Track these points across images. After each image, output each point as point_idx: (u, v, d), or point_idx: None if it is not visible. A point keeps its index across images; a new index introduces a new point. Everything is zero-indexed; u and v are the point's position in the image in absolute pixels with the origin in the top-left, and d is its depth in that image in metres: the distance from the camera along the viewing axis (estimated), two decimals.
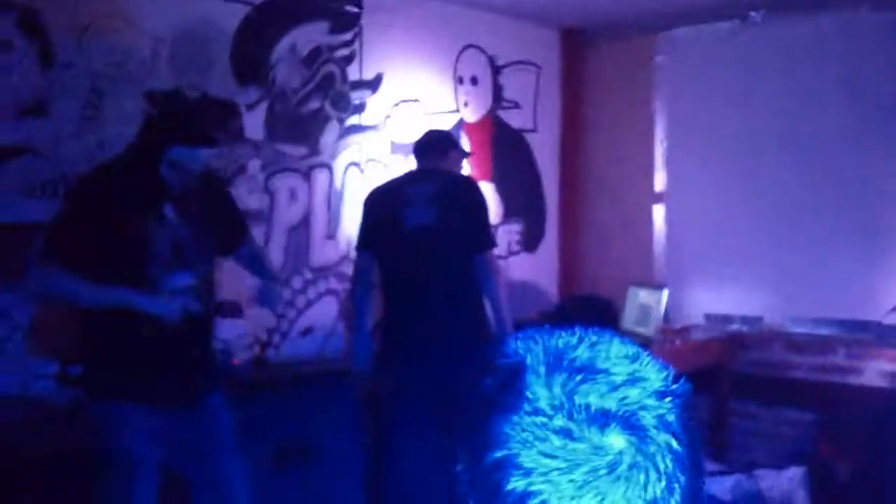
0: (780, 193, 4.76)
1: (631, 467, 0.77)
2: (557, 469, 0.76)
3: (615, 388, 0.79)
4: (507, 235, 5.14)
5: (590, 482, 0.76)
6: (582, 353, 0.82)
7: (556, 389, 0.78)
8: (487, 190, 3.93)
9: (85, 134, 3.28)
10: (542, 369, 0.80)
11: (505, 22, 5.08)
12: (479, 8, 4.86)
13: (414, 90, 4.60)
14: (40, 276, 2.70)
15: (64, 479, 2.92)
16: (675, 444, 0.79)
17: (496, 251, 3.79)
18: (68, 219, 2.70)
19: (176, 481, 2.85)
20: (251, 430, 3.39)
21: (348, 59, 4.26)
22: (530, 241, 5.33)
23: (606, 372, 0.80)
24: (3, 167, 3.13)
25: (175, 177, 2.72)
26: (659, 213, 5.32)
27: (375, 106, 4.39)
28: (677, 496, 0.79)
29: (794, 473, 3.31)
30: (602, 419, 0.77)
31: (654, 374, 0.81)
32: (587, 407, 0.77)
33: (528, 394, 0.79)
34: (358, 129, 4.32)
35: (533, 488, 0.77)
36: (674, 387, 0.81)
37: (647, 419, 0.78)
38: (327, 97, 4.17)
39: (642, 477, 0.77)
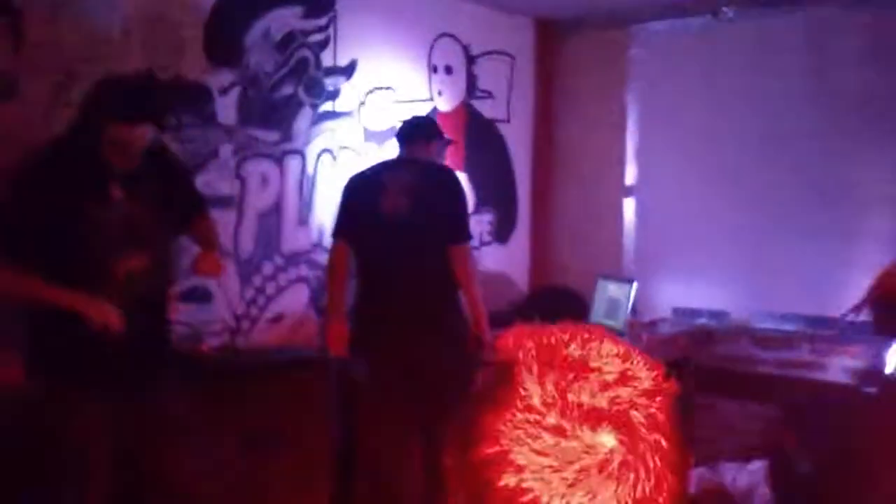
0: (749, 189, 4.81)
1: (621, 466, 0.77)
2: (549, 466, 0.77)
3: (607, 386, 0.79)
4: (478, 226, 5.14)
5: (581, 480, 0.76)
6: (574, 351, 0.82)
7: (549, 387, 0.79)
8: (460, 179, 3.91)
9: (55, 115, 3.22)
10: (535, 366, 0.81)
11: (480, 11, 5.07)
12: None
13: (388, 78, 4.58)
14: None
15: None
16: (664, 442, 0.80)
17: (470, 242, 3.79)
18: (10, 210, 2.65)
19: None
20: (220, 418, 3.38)
21: (322, 45, 4.23)
22: (502, 232, 5.34)
23: (598, 370, 0.80)
24: None
25: (117, 155, 2.68)
26: (629, 206, 5.35)
27: (349, 93, 4.37)
28: (665, 494, 0.80)
29: (758, 467, 3.35)
30: (594, 417, 0.77)
31: (645, 373, 0.82)
32: (580, 405, 0.78)
33: (521, 390, 0.79)
34: (331, 115, 4.30)
35: (524, 485, 0.77)
36: (664, 386, 0.82)
37: (638, 418, 0.79)
38: (301, 82, 4.14)
39: (632, 475, 0.78)
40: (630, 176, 5.34)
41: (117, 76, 3.10)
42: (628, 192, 5.34)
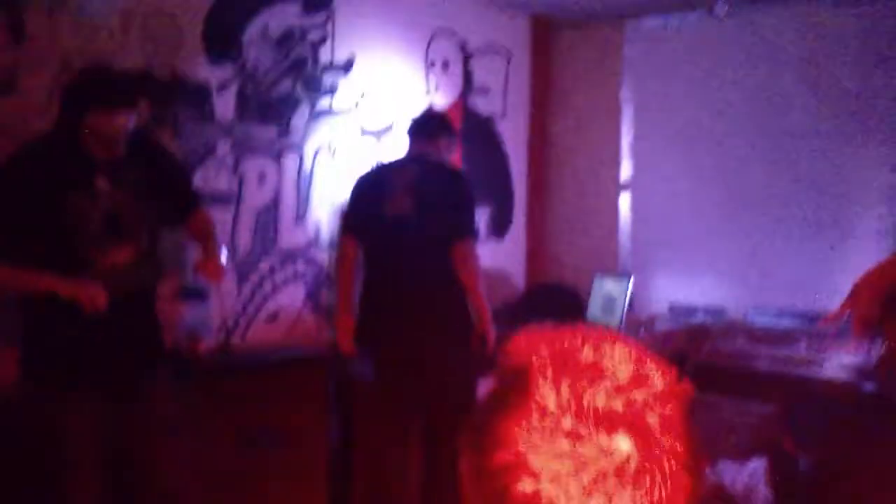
0: (744, 184, 4.81)
1: (638, 470, 0.77)
2: (566, 472, 0.76)
3: (621, 390, 0.79)
4: None
5: (598, 485, 0.76)
6: (587, 354, 0.82)
7: (565, 391, 0.78)
8: (466, 177, 3.91)
9: (53, 111, 3.20)
10: (549, 371, 0.80)
11: (476, 7, 5.06)
12: None
13: (385, 74, 4.57)
14: None
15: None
16: (678, 446, 0.80)
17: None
18: None
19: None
20: (217, 417, 3.38)
21: (320, 42, 4.21)
22: (498, 228, 5.33)
23: (612, 374, 0.80)
24: None
25: (98, 144, 2.66)
26: (625, 201, 5.35)
27: (347, 89, 4.36)
28: (682, 498, 0.80)
29: (757, 466, 3.36)
30: (610, 421, 0.77)
31: (658, 377, 0.82)
32: (595, 409, 0.78)
33: (536, 395, 0.79)
34: (329, 112, 4.28)
35: (541, 491, 0.77)
36: (677, 388, 0.82)
37: (653, 421, 0.79)
38: (299, 79, 4.12)
39: (649, 479, 0.78)
40: (626, 172, 5.35)
41: (94, 66, 3.08)
42: (624, 187, 5.34)
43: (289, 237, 4.16)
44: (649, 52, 5.22)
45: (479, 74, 5.15)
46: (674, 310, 5.02)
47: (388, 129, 4.60)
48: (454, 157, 3.94)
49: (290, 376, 3.83)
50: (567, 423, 0.78)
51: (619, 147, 5.34)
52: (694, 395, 0.86)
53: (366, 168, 4.08)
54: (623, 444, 0.78)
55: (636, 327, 4.68)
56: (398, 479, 3.69)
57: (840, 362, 4.24)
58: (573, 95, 5.51)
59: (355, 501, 3.98)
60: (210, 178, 3.80)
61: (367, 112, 4.48)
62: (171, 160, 3.17)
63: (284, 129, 4.09)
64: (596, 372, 0.81)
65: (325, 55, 4.24)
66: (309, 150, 4.21)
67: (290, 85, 4.08)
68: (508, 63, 5.35)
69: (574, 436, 0.77)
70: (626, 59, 5.30)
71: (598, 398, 0.79)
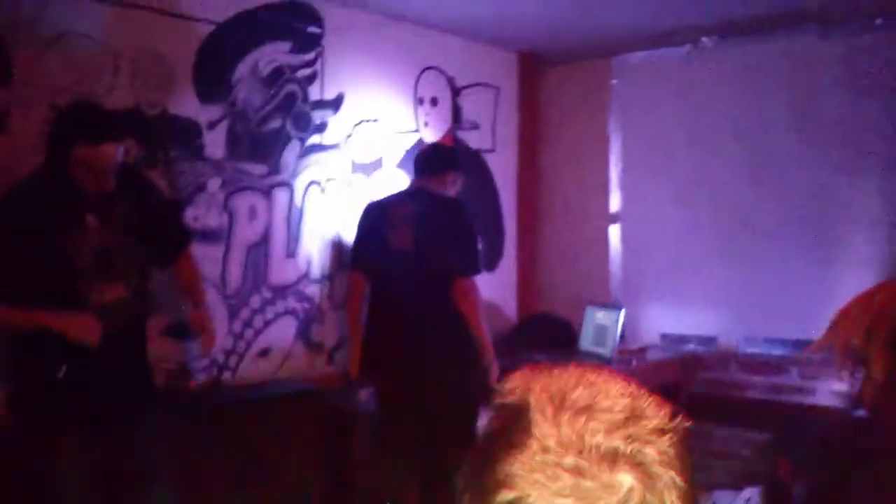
0: (733, 214, 4.85)
1: None
2: None
3: (619, 425, 0.80)
4: None
5: None
6: (582, 392, 0.83)
7: (565, 429, 0.79)
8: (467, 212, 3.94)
9: (43, 150, 3.22)
10: (549, 409, 0.81)
11: (464, 44, 5.12)
12: (439, 30, 4.89)
13: (375, 110, 4.61)
14: None
15: None
16: (678, 480, 0.80)
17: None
18: None
19: None
20: (208, 453, 3.36)
21: (310, 79, 4.25)
22: (490, 261, 5.35)
23: (608, 410, 0.81)
24: None
25: (87, 178, 2.66)
26: (615, 233, 5.38)
27: (336, 125, 4.39)
28: None
29: (751, 494, 3.35)
30: (611, 456, 0.78)
31: (654, 411, 0.83)
32: (597, 445, 0.78)
33: (537, 432, 0.80)
34: (319, 148, 4.31)
35: None
36: (674, 423, 0.83)
37: (652, 456, 0.79)
38: (289, 116, 4.16)
39: None
40: (615, 203, 5.38)
41: (81, 102, 3.11)
42: (614, 219, 5.38)
43: (279, 273, 4.17)
44: (636, 86, 5.28)
45: (469, 109, 5.20)
46: (666, 339, 5.04)
47: (378, 164, 4.63)
48: (457, 191, 3.96)
49: (282, 412, 3.81)
50: (569, 460, 0.78)
51: (609, 179, 5.38)
52: (688, 426, 0.86)
53: (370, 200, 4.13)
54: (625, 479, 0.78)
55: (628, 357, 4.68)
56: None
57: (831, 389, 4.25)
58: (562, 129, 5.56)
59: None
60: (201, 214, 3.81)
61: (357, 148, 4.51)
62: (161, 197, 3.18)
63: (275, 166, 4.11)
64: (593, 409, 0.81)
65: (314, 92, 4.28)
66: (299, 186, 4.23)
67: (280, 122, 4.11)
68: (497, 98, 5.40)
69: (576, 472, 0.77)
70: (614, 93, 5.35)
71: (598, 435, 0.79)
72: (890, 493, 1.56)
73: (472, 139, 5.22)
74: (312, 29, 4.24)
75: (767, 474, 4.44)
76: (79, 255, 2.66)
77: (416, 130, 4.90)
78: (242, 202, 4.01)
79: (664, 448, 0.81)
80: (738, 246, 4.81)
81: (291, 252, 4.22)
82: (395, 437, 3.71)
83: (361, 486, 3.89)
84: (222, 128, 3.88)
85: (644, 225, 5.25)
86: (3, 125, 3.14)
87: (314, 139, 4.28)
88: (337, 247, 4.41)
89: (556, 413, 0.80)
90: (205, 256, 3.80)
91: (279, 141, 4.12)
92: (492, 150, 5.32)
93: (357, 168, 4.51)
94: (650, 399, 0.84)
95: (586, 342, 4.79)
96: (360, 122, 4.52)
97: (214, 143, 3.86)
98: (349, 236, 4.45)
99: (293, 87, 4.17)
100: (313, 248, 4.30)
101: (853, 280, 4.04)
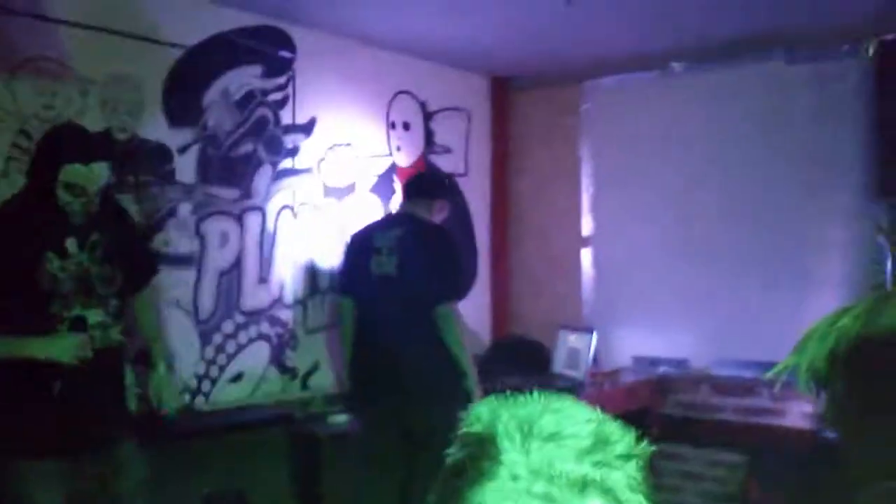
0: (704, 237, 4.88)
1: None
2: None
3: (586, 452, 0.80)
4: None
5: None
6: (549, 419, 0.83)
7: (534, 456, 0.79)
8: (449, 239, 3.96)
9: (12, 175, 3.20)
10: (518, 436, 0.81)
11: (436, 69, 5.15)
12: (411, 55, 4.92)
13: (347, 134, 4.61)
14: None
15: None
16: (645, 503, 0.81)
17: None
18: None
19: None
20: (181, 480, 3.32)
21: (281, 103, 4.25)
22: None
23: (575, 436, 0.81)
24: None
25: (74, 201, 2.66)
26: (587, 256, 5.41)
27: (308, 149, 4.39)
28: None
29: None
30: (580, 483, 0.78)
31: (619, 437, 0.83)
32: (566, 472, 0.78)
33: (506, 460, 0.80)
34: (291, 172, 4.31)
35: None
36: (637, 448, 0.84)
37: (620, 481, 0.80)
38: (260, 140, 4.15)
39: None
40: (587, 227, 5.41)
41: (67, 124, 3.10)
42: (585, 242, 5.40)
43: (252, 297, 4.15)
44: (607, 110, 5.32)
45: (440, 134, 5.22)
46: (638, 362, 5.05)
47: (351, 188, 4.64)
48: (442, 216, 3.98)
49: (256, 437, 3.79)
50: (539, 487, 0.78)
51: (580, 202, 5.41)
52: (657, 449, 0.87)
53: (357, 226, 4.15)
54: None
55: (601, 380, 4.69)
56: None
57: (802, 411, 4.28)
58: (534, 153, 5.59)
59: None
60: (172, 239, 3.79)
61: (330, 172, 4.51)
62: (132, 224, 3.17)
63: (246, 190, 4.10)
64: (561, 436, 0.81)
65: (286, 116, 4.28)
66: (271, 211, 4.22)
67: (251, 146, 4.11)
68: (469, 122, 5.43)
69: (547, 499, 0.78)
70: (585, 117, 5.40)
71: (567, 461, 0.79)
72: None
73: (445, 163, 5.24)
74: (284, 53, 4.25)
75: (739, 495, 4.47)
76: (58, 280, 2.64)
77: (389, 154, 4.91)
78: (214, 227, 3.99)
79: (632, 473, 0.81)
80: (710, 268, 4.84)
81: (264, 277, 4.21)
82: (376, 462, 3.71)
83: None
84: (193, 152, 3.87)
85: (616, 248, 5.28)
86: None
87: (286, 163, 4.28)
88: (310, 271, 4.40)
89: (525, 440, 0.80)
90: (176, 281, 3.78)
91: (251, 165, 4.12)
92: (464, 174, 5.34)
93: (329, 192, 4.51)
94: (616, 424, 0.85)
95: (559, 365, 4.80)
96: (332, 147, 4.53)
97: (185, 168, 3.84)
98: (322, 260, 4.45)
99: (265, 111, 4.17)
100: (286, 273, 4.28)
101: (823, 302, 4.08)
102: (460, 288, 3.83)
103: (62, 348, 2.62)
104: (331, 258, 4.49)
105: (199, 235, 3.92)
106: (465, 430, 0.86)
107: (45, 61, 3.33)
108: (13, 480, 2.64)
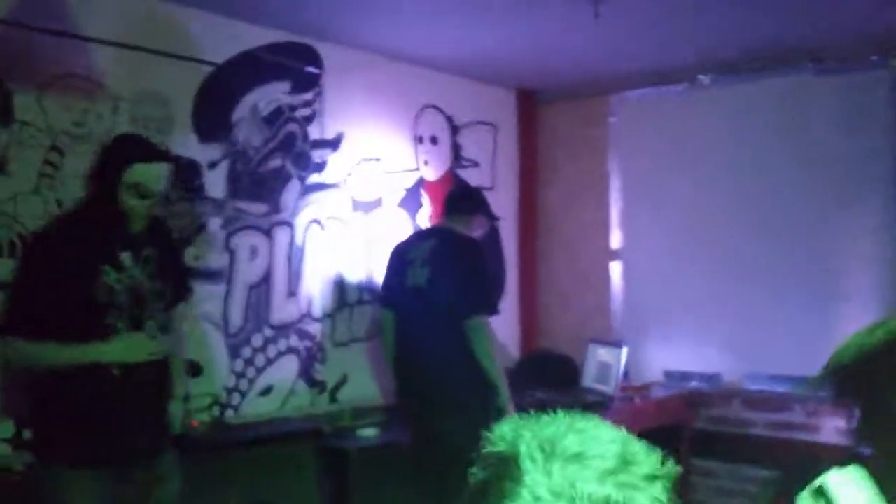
0: (734, 250, 4.84)
1: None
2: None
3: (610, 472, 0.79)
4: None
5: None
6: (572, 439, 0.82)
7: (556, 477, 0.78)
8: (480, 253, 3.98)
9: (44, 191, 3.24)
10: (540, 456, 0.80)
11: (463, 83, 5.16)
12: (438, 69, 4.94)
13: (374, 149, 4.63)
14: (10, 353, 2.64)
15: None
16: None
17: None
18: (24, 285, 2.65)
19: None
20: (210, 493, 3.33)
21: (309, 119, 4.28)
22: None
23: (599, 457, 0.80)
24: None
25: (137, 203, 2.69)
26: (616, 270, 5.38)
27: (336, 164, 4.41)
28: None
29: None
30: None
31: (644, 458, 0.82)
32: (589, 493, 0.77)
33: (528, 480, 0.79)
34: (319, 186, 4.33)
35: None
36: (663, 469, 0.82)
37: (644, 502, 0.79)
38: (289, 156, 4.18)
39: None
40: (616, 240, 5.38)
41: (125, 133, 3.23)
42: (615, 256, 5.38)
43: (281, 311, 4.17)
44: (635, 123, 5.30)
45: (468, 147, 5.23)
46: (669, 376, 5.01)
47: (378, 202, 4.65)
48: (479, 232, 4.04)
49: (285, 450, 3.80)
50: None
51: (609, 216, 5.39)
52: (688, 465, 0.86)
53: (390, 240, 4.27)
54: None
55: (631, 395, 4.66)
56: None
57: (835, 426, 4.22)
58: (561, 166, 5.58)
59: None
60: (202, 255, 3.82)
61: (357, 186, 4.53)
62: (176, 241, 3.21)
63: (275, 205, 4.13)
64: (585, 456, 0.80)
65: (314, 132, 4.30)
66: (300, 225, 4.24)
67: (280, 161, 4.14)
68: (496, 136, 5.44)
69: None
70: (612, 130, 5.38)
71: (590, 482, 0.78)
72: None
73: (472, 177, 5.24)
74: (312, 69, 4.28)
75: None
76: (114, 292, 2.67)
77: (416, 169, 4.92)
78: (243, 241, 4.02)
79: (656, 494, 0.80)
80: (740, 282, 4.80)
81: (293, 290, 4.23)
82: (413, 474, 3.78)
83: None
84: (223, 167, 3.90)
85: (645, 262, 5.25)
86: (2, 167, 3.15)
87: (314, 178, 4.31)
88: (338, 285, 4.41)
89: (547, 461, 0.80)
90: (206, 295, 3.81)
91: (279, 180, 4.14)
92: (491, 188, 5.34)
93: (357, 206, 4.53)
94: (641, 445, 0.84)
95: (589, 379, 4.77)
96: (359, 161, 4.55)
97: (215, 183, 3.87)
98: (350, 274, 4.46)
99: (293, 126, 4.20)
100: (314, 287, 4.30)
101: (856, 316, 4.03)
102: (491, 301, 3.83)
103: (133, 348, 2.67)
104: (359, 272, 4.51)
105: (229, 250, 3.95)
106: (488, 449, 0.86)
107: (75, 78, 3.37)
108: (58, 489, 2.64)
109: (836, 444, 4.28)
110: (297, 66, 4.21)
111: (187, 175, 3.76)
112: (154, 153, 2.76)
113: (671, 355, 5.04)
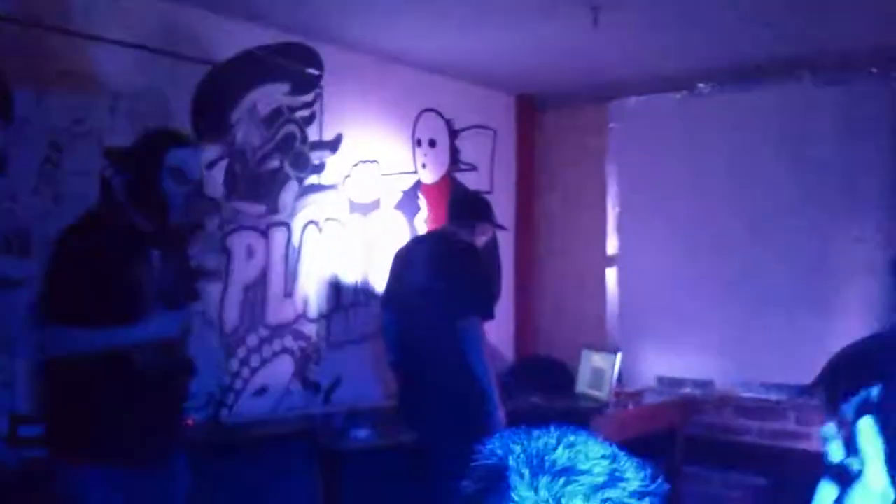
0: (729, 258, 4.85)
1: None
2: None
3: (598, 489, 0.79)
4: None
5: None
6: (561, 454, 0.82)
7: (543, 492, 0.78)
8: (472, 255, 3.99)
9: (43, 189, 3.25)
10: (527, 471, 0.80)
11: (462, 87, 5.17)
12: (438, 73, 4.95)
13: (373, 151, 4.64)
14: (46, 339, 2.63)
15: None
16: None
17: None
18: (60, 276, 2.65)
19: None
20: (205, 493, 3.33)
21: (308, 120, 4.29)
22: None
23: (588, 473, 0.80)
24: None
25: (177, 189, 2.72)
26: (612, 276, 5.39)
27: (334, 166, 4.42)
28: None
29: None
30: None
31: (633, 474, 0.82)
32: None
33: (514, 496, 0.79)
34: (317, 188, 4.34)
35: None
36: (652, 486, 0.82)
37: None
38: (287, 157, 4.19)
39: None
40: (612, 246, 5.39)
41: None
42: (610, 262, 5.39)
43: (277, 312, 4.17)
44: (634, 130, 5.31)
45: (466, 151, 5.24)
46: (662, 382, 5.02)
47: (376, 204, 4.66)
48: (483, 239, 4.04)
49: (279, 450, 3.80)
50: None
51: (606, 222, 5.40)
52: (678, 476, 0.86)
53: (394, 242, 4.30)
54: None
55: (625, 400, 4.66)
56: None
57: None
58: (559, 172, 5.59)
59: None
60: (198, 254, 3.82)
61: (355, 188, 4.54)
62: (187, 249, 3.22)
63: (273, 206, 4.14)
64: (573, 471, 0.80)
65: (313, 133, 4.31)
66: (297, 226, 4.25)
67: (278, 162, 4.15)
68: (495, 140, 5.45)
69: None
70: (611, 137, 5.39)
71: (577, 498, 0.78)
72: None
73: (470, 181, 5.25)
74: (311, 70, 4.29)
75: None
76: (144, 289, 2.68)
77: (414, 172, 4.93)
78: (240, 241, 4.02)
79: None
80: (735, 289, 4.81)
81: (289, 291, 4.23)
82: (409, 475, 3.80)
83: None
84: (221, 167, 3.91)
85: (641, 268, 5.25)
86: (2, 165, 3.16)
87: (312, 179, 4.31)
88: (334, 286, 4.42)
89: (534, 476, 0.80)
90: (202, 295, 3.80)
91: (277, 181, 4.15)
92: (489, 192, 5.34)
93: (355, 208, 4.54)
94: (631, 461, 0.84)
95: (583, 385, 4.77)
96: (358, 163, 4.56)
97: (213, 183, 3.88)
98: (346, 276, 4.47)
99: (292, 127, 4.20)
100: (311, 288, 4.31)
101: (850, 326, 4.04)
102: (484, 304, 3.81)
103: (167, 324, 2.68)
104: (355, 273, 4.51)
105: (226, 250, 3.96)
106: (478, 462, 0.86)
107: (75, 76, 3.38)
108: (77, 486, 2.63)
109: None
110: (297, 67, 4.22)
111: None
112: (192, 141, 2.87)
113: (665, 362, 5.05)
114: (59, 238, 2.69)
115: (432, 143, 5.04)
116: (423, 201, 4.94)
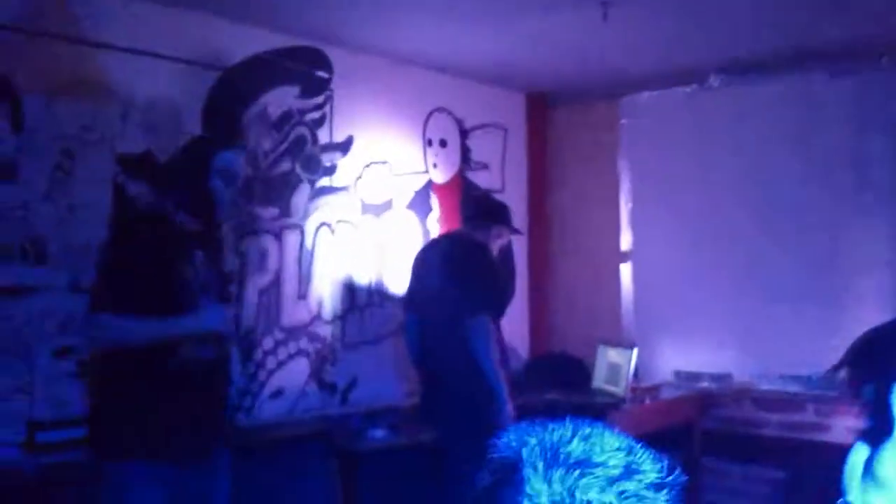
0: (744, 251, 4.84)
1: None
2: None
3: (613, 481, 0.78)
4: None
5: None
6: (577, 446, 0.81)
7: (556, 485, 0.78)
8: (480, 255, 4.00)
9: (55, 196, 3.27)
10: (540, 464, 0.80)
11: (472, 86, 5.17)
12: (448, 73, 4.95)
13: (384, 152, 4.65)
14: (96, 325, 2.63)
15: None
16: None
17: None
18: (112, 265, 2.69)
19: None
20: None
21: (319, 122, 4.30)
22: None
23: (603, 465, 0.79)
24: None
25: (224, 189, 2.78)
26: (626, 271, 5.37)
27: (346, 167, 4.43)
28: None
29: None
30: None
31: (650, 466, 0.81)
32: (589, 502, 0.77)
33: (528, 489, 0.79)
34: (329, 190, 4.35)
35: None
36: (669, 478, 0.81)
37: None
38: (298, 159, 4.20)
39: None
40: (626, 242, 5.38)
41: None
42: (624, 257, 5.37)
43: (291, 314, 4.18)
44: (645, 126, 5.29)
45: (477, 150, 5.24)
46: (679, 377, 5.00)
47: (388, 205, 4.66)
48: (499, 242, 4.05)
49: (295, 452, 3.81)
50: None
51: (619, 218, 5.38)
52: (696, 469, 0.85)
53: (406, 242, 4.39)
54: None
55: (642, 395, 4.65)
56: None
57: (846, 426, 4.20)
58: (571, 168, 5.58)
59: None
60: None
61: (367, 189, 4.54)
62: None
63: (285, 208, 4.15)
64: (589, 463, 0.80)
65: (324, 135, 4.32)
66: (310, 228, 4.25)
67: (290, 165, 4.15)
68: (505, 139, 5.44)
69: None
70: (623, 133, 5.38)
71: (591, 490, 0.78)
72: None
73: (482, 180, 5.24)
74: (321, 73, 4.30)
75: None
76: (189, 287, 2.70)
77: (426, 172, 4.93)
78: (254, 245, 4.03)
79: (660, 503, 0.79)
80: (750, 282, 4.79)
81: (303, 293, 4.24)
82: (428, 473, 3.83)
83: None
84: None
85: (655, 263, 5.24)
86: (14, 172, 3.18)
87: (324, 181, 4.32)
88: (348, 287, 4.42)
89: (548, 468, 0.79)
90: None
91: (289, 183, 4.16)
92: (501, 191, 5.34)
93: (367, 209, 4.54)
94: (647, 453, 0.83)
95: (599, 381, 4.77)
96: (369, 164, 4.56)
97: None
98: (360, 277, 4.48)
99: (303, 130, 4.21)
100: (324, 290, 4.31)
101: (866, 317, 4.01)
102: (493, 303, 3.80)
103: (214, 316, 2.71)
104: (369, 274, 4.52)
105: (239, 253, 3.97)
106: (493, 455, 0.85)
107: (85, 84, 3.39)
108: (121, 482, 2.62)
109: (848, 444, 4.26)
110: (306, 69, 4.23)
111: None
112: (237, 142, 2.97)
113: (681, 356, 5.03)
114: (113, 234, 2.75)
115: (443, 143, 5.04)
116: (434, 201, 4.94)
